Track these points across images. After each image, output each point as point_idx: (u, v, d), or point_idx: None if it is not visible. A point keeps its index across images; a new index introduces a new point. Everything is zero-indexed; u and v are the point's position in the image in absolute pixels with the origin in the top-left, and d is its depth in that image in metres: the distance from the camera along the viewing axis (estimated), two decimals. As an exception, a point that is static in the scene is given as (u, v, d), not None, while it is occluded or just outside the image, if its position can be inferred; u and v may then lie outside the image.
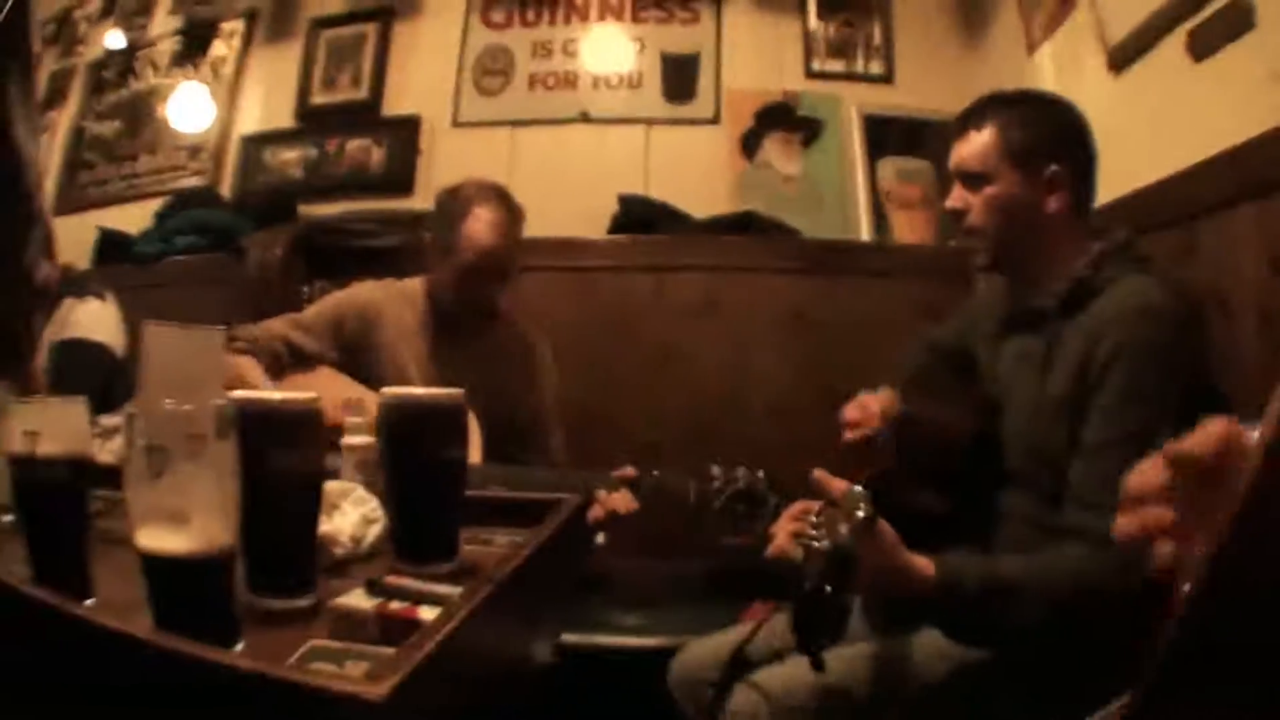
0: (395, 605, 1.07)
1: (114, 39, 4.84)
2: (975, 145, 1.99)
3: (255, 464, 1.02)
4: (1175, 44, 2.39)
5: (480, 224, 2.71)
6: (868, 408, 2.14)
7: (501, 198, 2.78)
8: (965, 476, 2.02)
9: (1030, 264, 2.00)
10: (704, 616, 2.30)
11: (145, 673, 0.78)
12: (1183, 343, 1.77)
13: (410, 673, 0.74)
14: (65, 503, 1.14)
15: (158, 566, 0.94)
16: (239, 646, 0.97)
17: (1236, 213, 2.06)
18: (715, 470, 2.51)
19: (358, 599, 1.10)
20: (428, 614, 1.05)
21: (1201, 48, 2.28)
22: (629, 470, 2.52)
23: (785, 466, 3.20)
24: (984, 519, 2.00)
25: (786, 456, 3.34)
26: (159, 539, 0.93)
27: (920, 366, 2.37)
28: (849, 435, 2.16)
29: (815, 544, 1.46)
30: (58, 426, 1.15)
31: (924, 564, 1.61)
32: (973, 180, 2.00)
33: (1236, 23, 2.11)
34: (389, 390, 1.47)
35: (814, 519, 1.58)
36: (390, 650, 1.00)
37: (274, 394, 1.21)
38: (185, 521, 0.93)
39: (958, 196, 2.03)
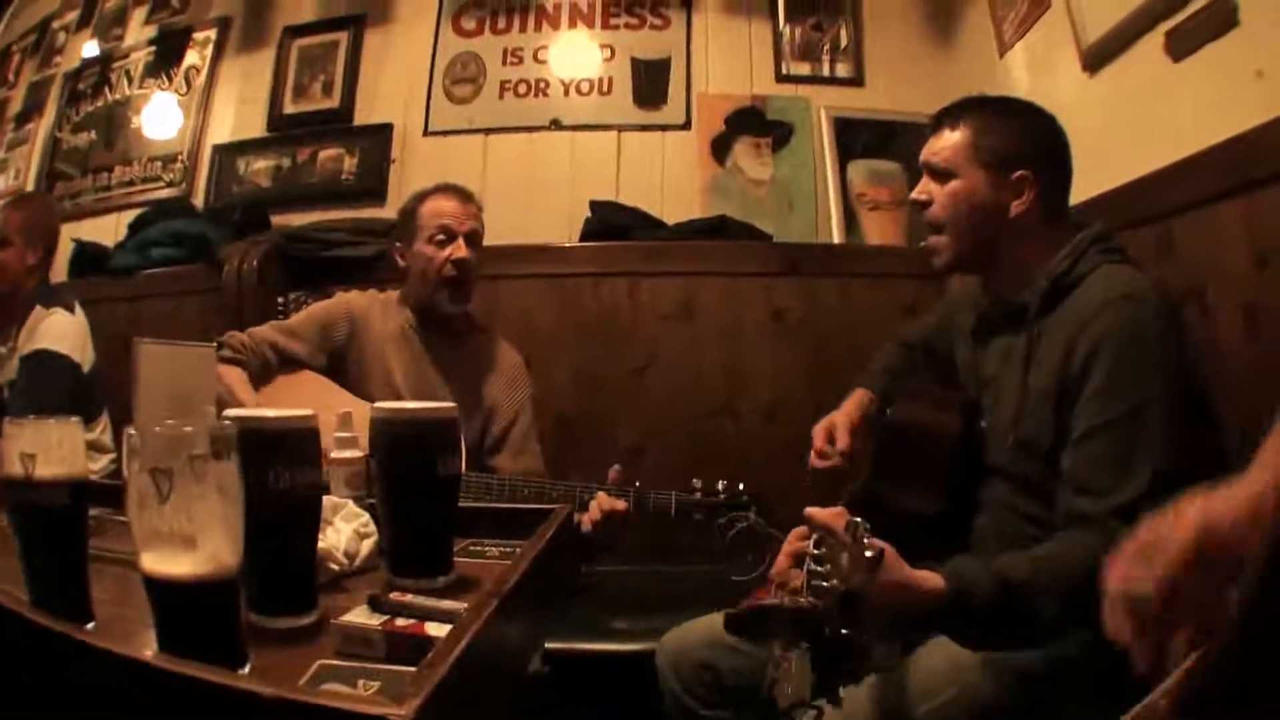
0: (401, 622, 1.08)
1: (90, 49, 4.84)
2: (946, 142, 2.04)
3: (256, 483, 1.01)
4: (1153, 43, 2.40)
5: (437, 197, 2.88)
6: (835, 437, 2.23)
7: (453, 185, 2.94)
8: (952, 475, 2.04)
9: (992, 262, 2.05)
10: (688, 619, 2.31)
11: (162, 700, 0.78)
12: (1162, 328, 1.80)
13: (433, 690, 0.75)
14: (64, 525, 1.13)
15: (165, 590, 0.93)
16: (247, 668, 0.96)
17: (1219, 208, 2.08)
18: (696, 483, 2.56)
19: (363, 616, 1.10)
20: (435, 630, 1.05)
21: (1181, 47, 2.30)
22: (616, 470, 2.58)
23: (770, 466, 3.26)
24: (967, 512, 2.03)
25: (771, 456, 3.41)
26: (166, 563, 0.92)
27: (898, 367, 2.42)
28: (816, 463, 2.25)
29: (825, 584, 1.47)
30: (55, 448, 1.13)
31: (932, 579, 1.61)
32: (939, 175, 2.04)
33: (1218, 22, 2.13)
34: (382, 405, 1.46)
35: (815, 551, 1.59)
36: (398, 667, 1.01)
37: (270, 412, 1.20)
38: (192, 544, 0.91)
39: (923, 188, 2.08)
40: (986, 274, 2.12)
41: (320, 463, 1.24)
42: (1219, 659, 0.76)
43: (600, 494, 2.51)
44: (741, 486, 2.58)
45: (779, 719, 1.58)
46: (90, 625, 1.11)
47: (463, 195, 2.89)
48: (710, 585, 2.54)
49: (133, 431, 0.96)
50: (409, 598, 1.16)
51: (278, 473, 1.14)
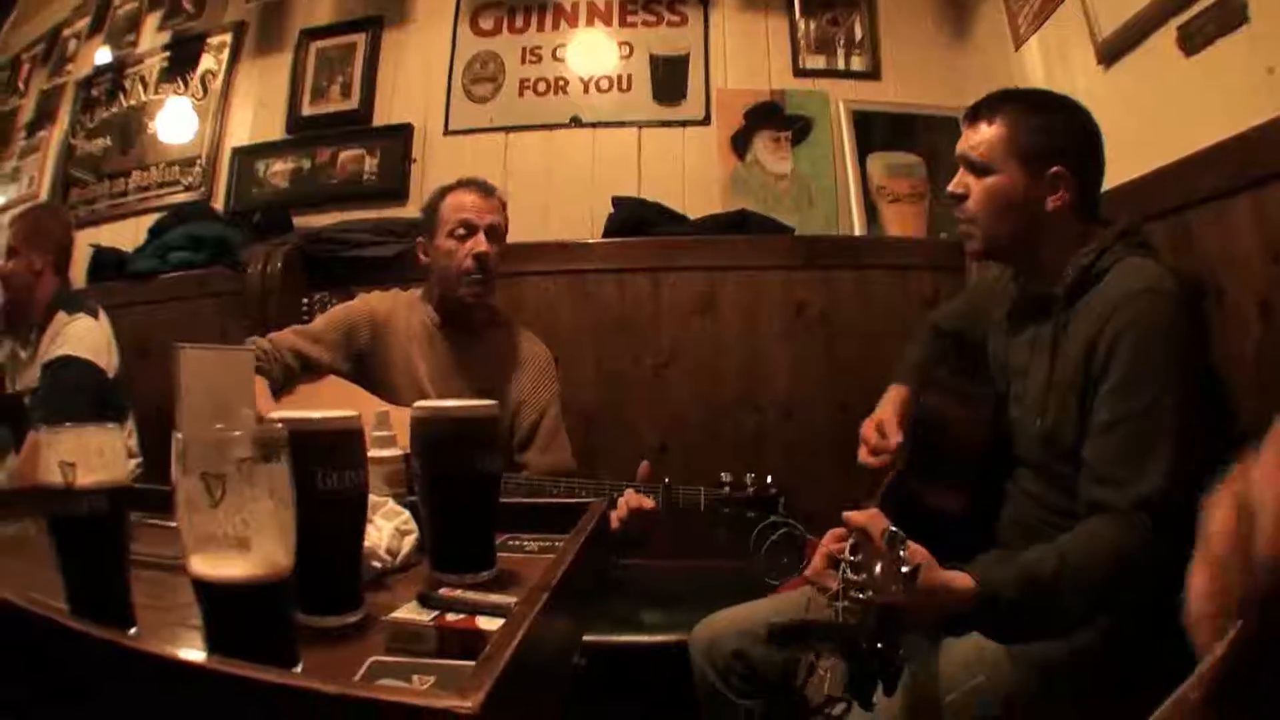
0: (452, 617, 1.08)
1: (102, 56, 4.87)
2: (984, 136, 2.04)
3: (304, 484, 1.01)
4: (1166, 38, 2.42)
5: (459, 191, 2.88)
6: (888, 436, 2.19)
7: (476, 179, 2.94)
8: (979, 470, 2.06)
9: (1025, 255, 2.06)
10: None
11: (222, 703, 0.79)
12: (1185, 320, 1.82)
13: (495, 683, 0.75)
14: (106, 533, 1.12)
15: (218, 593, 0.93)
16: (299, 668, 0.97)
17: (1233, 202, 2.08)
18: (725, 477, 2.58)
19: (413, 612, 1.10)
20: (486, 624, 1.06)
21: (1192, 42, 2.31)
22: (645, 467, 2.60)
23: (792, 459, 3.26)
24: (993, 502, 2.05)
25: (793, 450, 3.41)
26: (219, 566, 0.92)
27: (931, 357, 2.42)
28: (869, 460, 2.21)
29: (861, 594, 1.48)
30: (95, 456, 1.12)
31: (961, 580, 1.63)
32: (977, 169, 2.05)
33: (1229, 17, 2.14)
34: (423, 404, 1.47)
35: (851, 558, 1.60)
36: (451, 662, 1.02)
37: (316, 414, 1.20)
38: (246, 547, 0.92)
39: (959, 181, 2.09)
40: (1017, 265, 2.14)
41: (365, 463, 1.25)
42: (1253, 644, 0.75)
43: (629, 491, 2.53)
44: (770, 479, 2.59)
45: (810, 713, 1.60)
46: (133, 631, 1.11)
47: (484, 189, 2.89)
48: (739, 578, 2.56)
49: (179, 435, 0.97)
50: (458, 593, 1.17)
51: (325, 474, 1.14)
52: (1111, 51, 2.75)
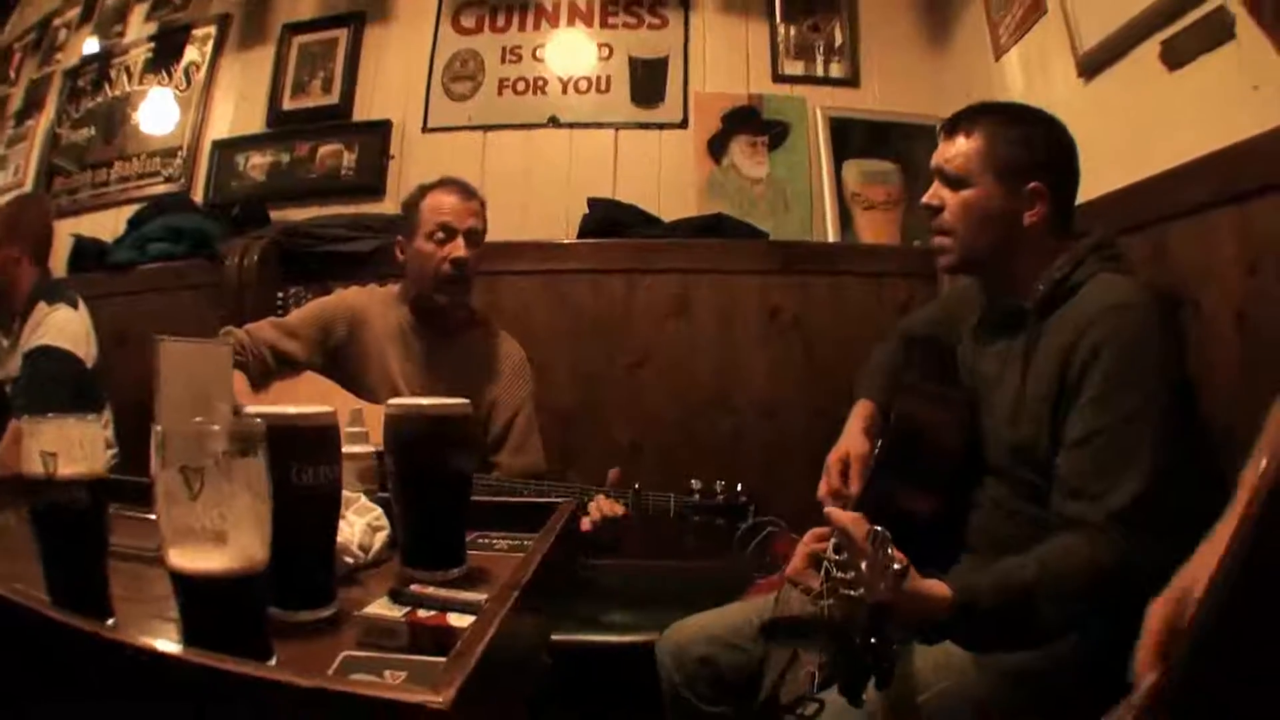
0: (423, 614, 1.10)
1: (90, 46, 4.86)
2: (961, 148, 2.04)
3: (280, 479, 1.02)
4: (1149, 52, 2.42)
5: (439, 192, 2.85)
6: (849, 477, 2.19)
7: (456, 180, 2.92)
8: (949, 475, 2.06)
9: (999, 268, 2.06)
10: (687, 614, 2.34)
11: (197, 694, 0.80)
12: (1159, 336, 1.82)
13: (466, 678, 0.77)
14: (86, 523, 1.14)
15: (195, 586, 0.94)
16: (273, 660, 0.98)
17: (1214, 215, 2.09)
18: (695, 484, 2.60)
19: (384, 608, 1.12)
20: (457, 621, 1.08)
21: (1176, 57, 2.31)
22: (616, 472, 2.61)
23: (765, 462, 3.28)
24: (962, 509, 2.05)
25: (766, 453, 3.44)
26: (197, 559, 0.93)
27: (900, 363, 2.41)
28: (826, 500, 2.17)
29: (850, 593, 1.51)
30: (76, 447, 1.14)
31: (939, 588, 1.63)
32: (952, 182, 2.05)
33: (1215, 33, 2.14)
34: (396, 401, 1.49)
35: (835, 556, 1.62)
36: (421, 658, 1.04)
37: (292, 409, 1.22)
38: (223, 541, 0.93)
39: (934, 193, 2.09)
40: (989, 278, 2.13)
41: (340, 459, 1.27)
42: (1182, 675, 0.80)
43: (599, 498, 2.55)
44: (740, 487, 2.61)
45: (779, 715, 1.62)
46: (110, 621, 1.12)
47: (465, 191, 2.87)
48: (707, 580, 2.59)
49: (159, 428, 0.98)
50: (429, 590, 1.18)
51: (301, 469, 1.16)
52: (1093, 64, 2.76)
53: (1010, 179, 1.99)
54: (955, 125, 2.08)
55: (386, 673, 0.99)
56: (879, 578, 1.46)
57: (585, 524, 2.47)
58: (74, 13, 5.02)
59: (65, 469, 1.12)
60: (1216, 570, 0.76)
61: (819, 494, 2.21)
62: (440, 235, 2.78)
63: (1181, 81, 2.31)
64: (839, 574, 1.60)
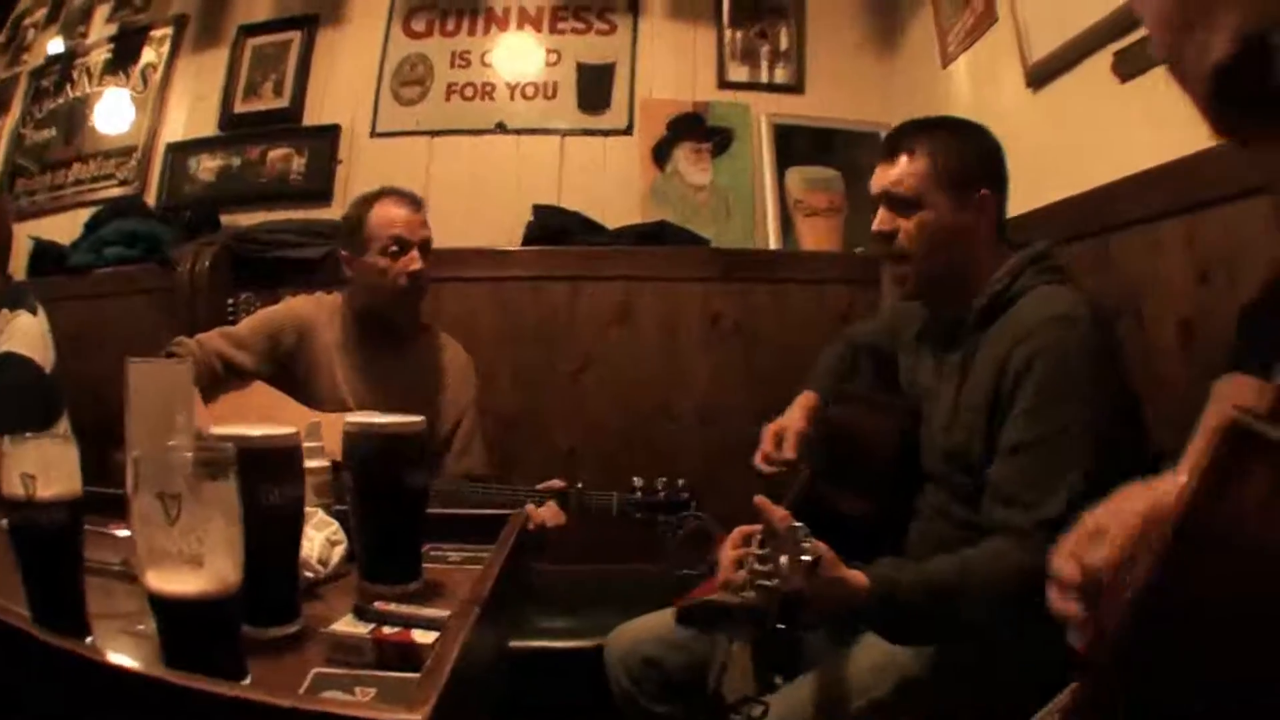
0: (388, 630, 1.16)
1: (55, 46, 4.81)
2: (908, 169, 2.04)
3: (248, 500, 1.06)
4: (1101, 63, 2.41)
5: (386, 206, 2.82)
6: (784, 444, 2.26)
7: (399, 190, 2.90)
8: (889, 479, 2.13)
9: (954, 283, 2.07)
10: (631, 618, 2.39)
11: (179, 715, 0.85)
12: (1094, 349, 1.85)
13: (441, 695, 0.83)
14: (63, 543, 1.18)
15: (173, 608, 0.99)
16: (248, 679, 1.03)
17: (1161, 228, 2.13)
18: (637, 482, 2.63)
19: (350, 625, 1.17)
20: (421, 637, 1.13)
21: (1129, 68, 2.31)
22: (556, 483, 2.64)
23: (706, 465, 3.34)
24: (902, 515, 2.11)
25: (707, 456, 3.50)
26: (174, 582, 0.97)
27: (845, 370, 2.47)
28: (763, 467, 2.28)
29: (767, 584, 1.57)
30: (54, 468, 1.17)
31: (859, 579, 1.68)
32: (904, 205, 2.05)
33: None
34: (354, 419, 1.54)
35: (759, 551, 1.69)
36: (389, 673, 1.09)
37: (256, 431, 1.26)
38: (199, 564, 0.97)
39: (886, 221, 2.08)
40: (947, 297, 2.12)
41: (304, 478, 1.32)
42: (1104, 671, 0.83)
43: (536, 508, 2.56)
44: (681, 483, 2.66)
45: (725, 714, 1.69)
46: (89, 639, 1.16)
47: (413, 202, 2.85)
48: (652, 583, 2.63)
49: (135, 454, 1.02)
50: (392, 606, 1.23)
51: (267, 489, 1.20)
52: (1042, 74, 2.78)
53: (960, 192, 2.02)
54: (895, 147, 2.08)
55: (357, 689, 1.04)
56: (795, 568, 1.53)
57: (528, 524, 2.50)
58: (42, 12, 4.95)
59: (44, 491, 1.16)
60: (1137, 582, 0.82)
61: (755, 460, 2.29)
62: (394, 249, 2.76)
63: (1133, 93, 2.30)
64: (758, 566, 1.67)
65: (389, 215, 2.81)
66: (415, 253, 2.78)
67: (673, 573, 2.57)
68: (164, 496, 0.98)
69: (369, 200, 2.87)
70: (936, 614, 1.73)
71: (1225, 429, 0.70)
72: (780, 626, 1.50)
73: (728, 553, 1.89)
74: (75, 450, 1.23)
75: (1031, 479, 1.80)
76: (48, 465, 1.17)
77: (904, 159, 2.05)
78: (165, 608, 1.00)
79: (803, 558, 1.55)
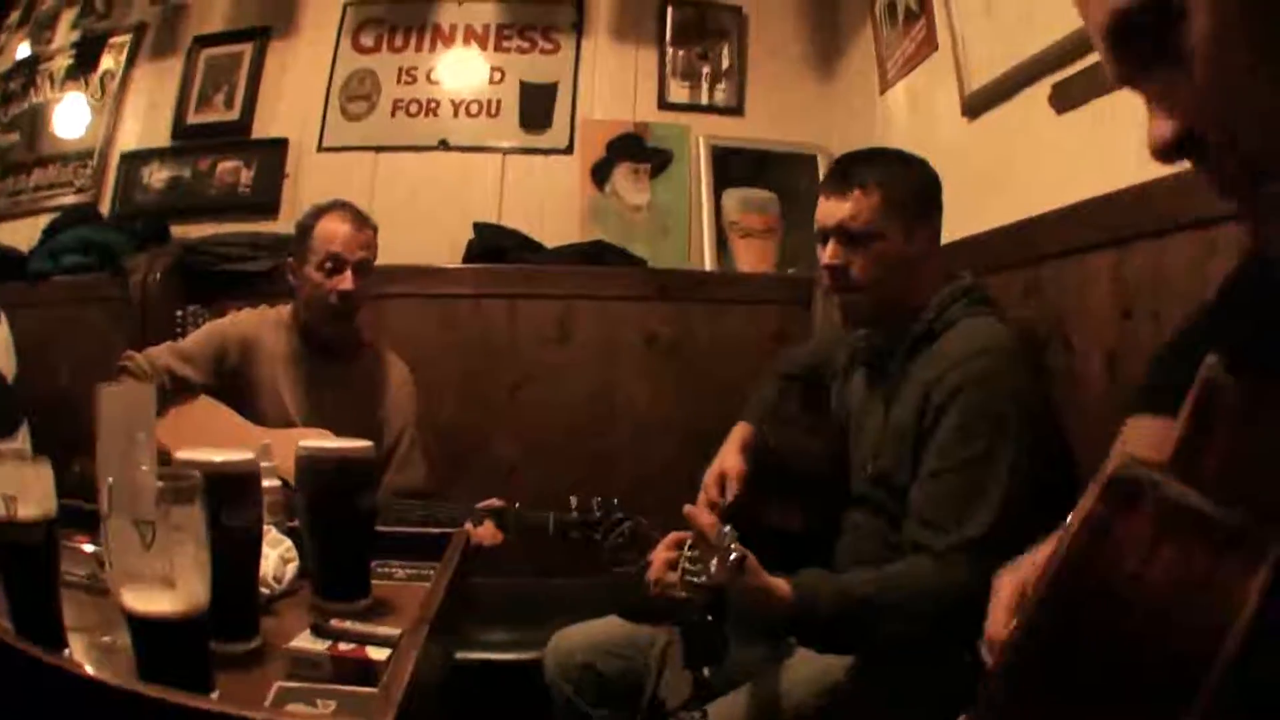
0: (344, 646, 1.25)
1: (22, 50, 4.78)
2: (861, 203, 2.08)
3: (212, 523, 1.13)
4: (1038, 94, 2.42)
5: (332, 221, 2.86)
6: (727, 490, 2.32)
7: (349, 206, 2.93)
8: (818, 498, 2.23)
9: (900, 310, 2.13)
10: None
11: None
12: (1016, 381, 1.96)
13: (398, 708, 0.92)
14: (41, 561, 1.24)
15: (147, 626, 1.07)
16: (216, 693, 1.11)
17: (1090, 259, 2.15)
18: (573, 502, 2.70)
19: (308, 642, 1.26)
20: (375, 653, 1.22)
21: (1065, 100, 2.32)
22: (494, 501, 2.69)
23: (640, 480, 3.42)
24: (832, 533, 2.20)
25: (641, 472, 3.58)
26: (148, 602, 1.05)
27: (777, 400, 2.54)
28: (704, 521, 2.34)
29: (695, 580, 1.69)
30: (32, 490, 1.24)
31: (782, 587, 1.77)
32: (860, 238, 2.09)
33: (1105, 80, 2.11)
34: (307, 444, 1.62)
35: (689, 553, 1.80)
36: (347, 687, 1.18)
37: (218, 456, 1.34)
38: (171, 585, 1.05)
39: (839, 256, 2.12)
40: (893, 323, 2.17)
41: (262, 500, 1.40)
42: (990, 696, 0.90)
43: (473, 527, 2.59)
44: (615, 502, 2.70)
45: (665, 715, 1.81)
46: (66, 652, 1.23)
47: (358, 221, 2.88)
48: (588, 594, 2.69)
49: (110, 479, 1.10)
50: (348, 624, 1.32)
51: (229, 512, 1.29)
52: (978, 103, 2.79)
53: (911, 223, 2.09)
54: (846, 181, 2.11)
55: (319, 702, 1.12)
56: (722, 567, 1.65)
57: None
58: (15, 16, 4.87)
59: (24, 511, 1.22)
60: (1017, 623, 0.89)
61: (697, 507, 2.30)
62: (329, 265, 2.80)
63: (1069, 125, 2.32)
64: (688, 566, 1.78)
65: (331, 231, 2.84)
66: (349, 272, 2.81)
67: (609, 570, 2.65)
68: (140, 524, 1.05)
69: (320, 211, 2.91)
70: (853, 624, 1.82)
71: (1110, 478, 0.73)
72: (709, 618, 1.62)
73: (660, 554, 1.99)
74: (51, 472, 1.29)
75: (950, 503, 1.89)
76: (27, 486, 1.23)
77: (857, 193, 2.09)
78: (140, 626, 1.07)
79: (730, 557, 1.66)
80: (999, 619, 1.04)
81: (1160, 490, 0.73)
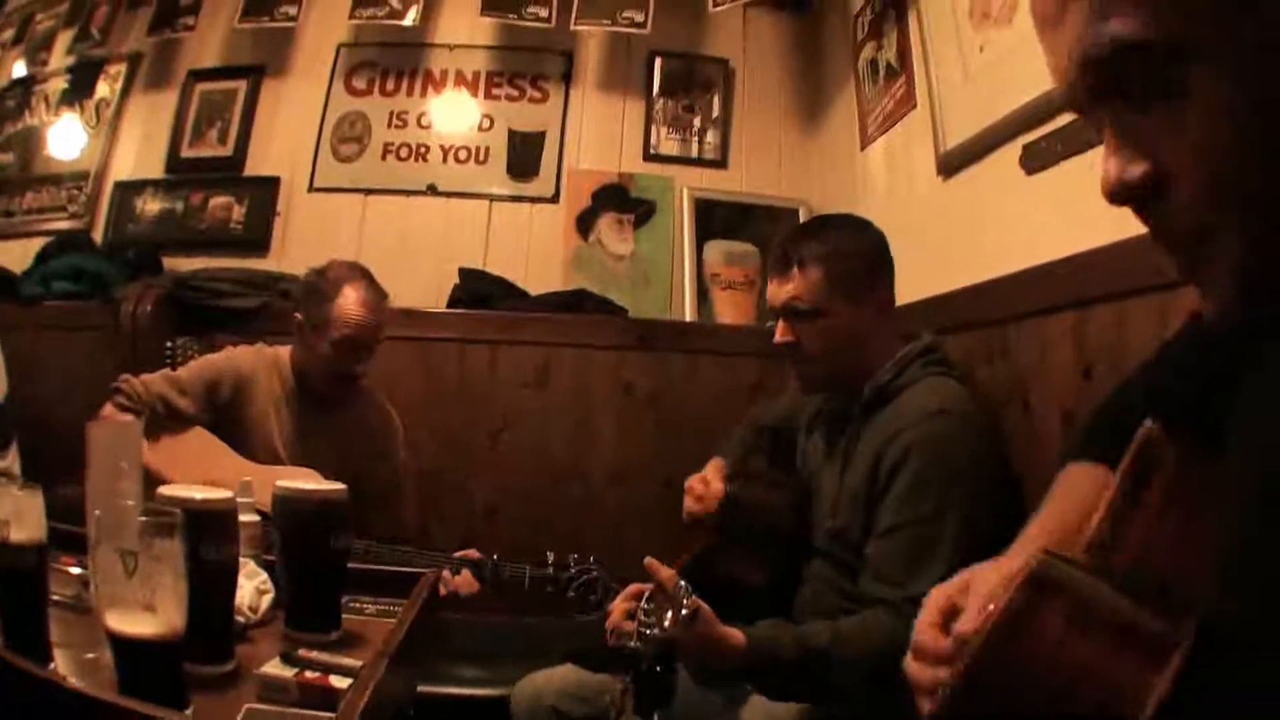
0: (310, 674, 1.33)
1: (19, 69, 4.80)
2: (804, 283, 2.16)
3: (191, 555, 1.22)
4: (1010, 155, 2.45)
5: (351, 302, 2.89)
6: (710, 483, 2.39)
7: (368, 277, 2.98)
8: (779, 551, 2.30)
9: (853, 375, 2.22)
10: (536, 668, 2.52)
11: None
12: (969, 442, 2.03)
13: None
14: (32, 583, 1.31)
15: (129, 647, 1.15)
16: (190, 710, 1.19)
17: (1051, 320, 2.17)
18: (550, 557, 2.79)
19: (278, 668, 1.34)
20: (338, 682, 1.31)
21: (1035, 161, 2.34)
22: (472, 553, 2.78)
23: (614, 526, 3.49)
24: (794, 584, 2.28)
25: (616, 518, 3.64)
26: (130, 624, 1.13)
27: (746, 451, 2.61)
28: (691, 507, 2.40)
29: (648, 631, 1.77)
30: (24, 515, 1.30)
31: (736, 637, 1.85)
32: (805, 315, 2.18)
33: (1075, 141, 2.15)
34: (284, 484, 1.70)
35: (645, 605, 1.88)
36: (311, 712, 1.26)
37: (199, 494, 1.43)
38: (152, 609, 1.13)
39: (786, 330, 2.22)
40: (850, 386, 2.24)
41: (238, 536, 1.49)
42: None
43: (445, 573, 2.68)
44: (592, 559, 2.81)
45: None
46: (52, 665, 1.30)
47: (375, 301, 2.93)
48: (556, 635, 2.75)
49: (98, 513, 1.19)
50: (315, 653, 1.40)
51: (208, 546, 1.37)
52: (953, 163, 2.82)
53: (856, 293, 2.17)
54: (787, 260, 2.19)
55: (284, 724, 1.21)
56: (675, 620, 1.74)
57: (440, 590, 2.61)
58: (9, 33, 4.92)
59: (16, 535, 1.29)
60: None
61: (686, 508, 2.41)
62: (344, 346, 2.88)
63: (1039, 186, 2.34)
64: (643, 618, 1.87)
65: (350, 315, 2.88)
66: (360, 356, 2.91)
67: (571, 618, 2.73)
68: (124, 553, 1.14)
69: (339, 282, 2.92)
70: (807, 673, 1.89)
71: (1028, 572, 0.79)
72: (657, 669, 1.71)
73: (619, 605, 2.08)
74: (42, 499, 1.36)
75: (902, 558, 1.97)
76: (20, 513, 1.31)
77: (797, 273, 2.17)
78: (122, 645, 1.15)
79: (683, 611, 1.75)
80: (971, 617, 1.08)
81: (1073, 589, 0.79)
